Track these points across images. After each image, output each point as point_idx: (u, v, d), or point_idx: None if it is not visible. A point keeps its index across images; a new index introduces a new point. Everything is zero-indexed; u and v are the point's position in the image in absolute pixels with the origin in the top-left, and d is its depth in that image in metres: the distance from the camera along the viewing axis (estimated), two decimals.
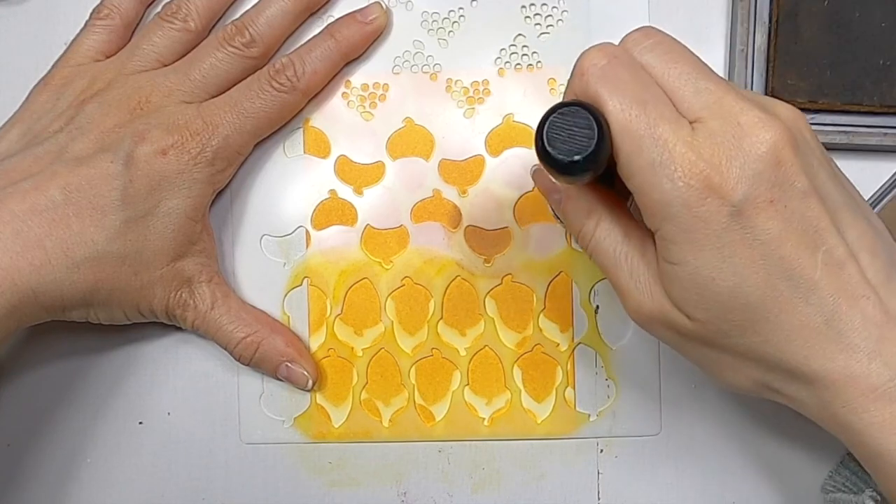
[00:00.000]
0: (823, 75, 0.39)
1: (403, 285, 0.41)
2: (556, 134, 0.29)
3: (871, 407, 0.30)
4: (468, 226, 0.41)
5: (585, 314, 0.41)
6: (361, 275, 0.41)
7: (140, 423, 0.41)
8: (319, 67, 0.40)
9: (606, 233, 0.33)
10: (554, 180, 0.34)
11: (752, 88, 0.39)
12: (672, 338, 0.33)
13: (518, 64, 0.41)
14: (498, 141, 0.41)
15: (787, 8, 0.39)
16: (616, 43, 0.32)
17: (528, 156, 0.41)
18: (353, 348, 0.41)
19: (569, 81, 0.32)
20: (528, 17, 0.41)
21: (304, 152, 0.41)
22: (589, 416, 0.41)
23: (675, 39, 0.32)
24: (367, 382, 0.41)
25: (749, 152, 0.29)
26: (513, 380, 0.41)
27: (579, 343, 0.41)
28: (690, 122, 0.30)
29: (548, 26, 0.41)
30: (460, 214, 0.41)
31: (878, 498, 0.32)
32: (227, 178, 0.40)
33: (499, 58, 0.41)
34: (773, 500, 0.40)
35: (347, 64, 0.41)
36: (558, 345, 0.41)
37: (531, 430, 0.41)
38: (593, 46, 0.31)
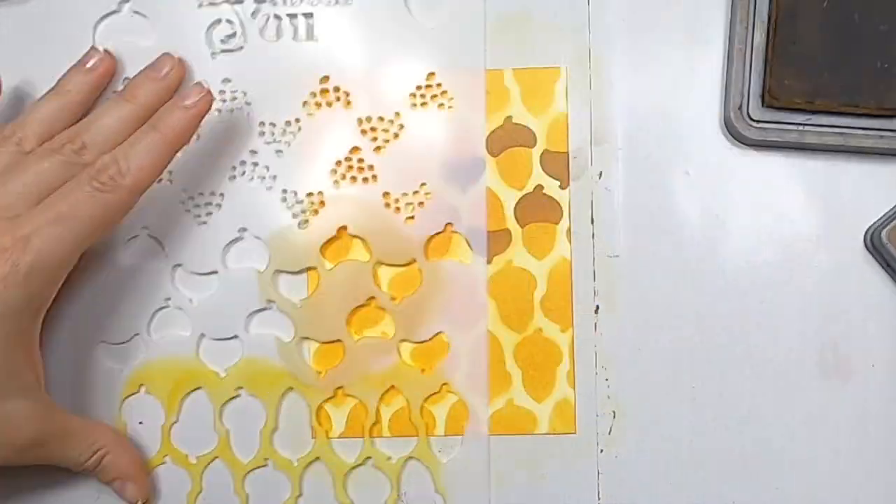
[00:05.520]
0: (821, 76, 0.39)
1: (238, 395, 0.41)
2: None
3: None
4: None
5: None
6: (197, 384, 0.41)
7: (140, 423, 0.41)
8: (146, 162, 0.36)
9: None
10: None
11: (749, 88, 0.39)
12: None
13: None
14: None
15: (786, 8, 0.39)
16: None
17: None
18: (187, 456, 0.41)
19: None
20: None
21: (140, 260, 0.41)
22: (589, 416, 0.41)
23: None
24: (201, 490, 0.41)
25: None
26: (512, 380, 0.41)
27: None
28: None
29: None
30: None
31: None
32: (49, 296, 0.36)
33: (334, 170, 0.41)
34: (773, 500, 0.40)
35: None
36: (558, 345, 0.41)
37: (531, 430, 0.41)
38: None
